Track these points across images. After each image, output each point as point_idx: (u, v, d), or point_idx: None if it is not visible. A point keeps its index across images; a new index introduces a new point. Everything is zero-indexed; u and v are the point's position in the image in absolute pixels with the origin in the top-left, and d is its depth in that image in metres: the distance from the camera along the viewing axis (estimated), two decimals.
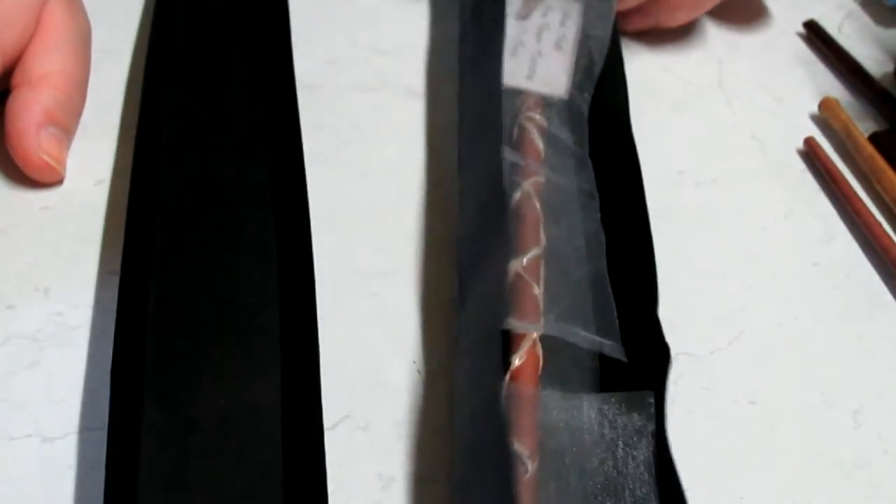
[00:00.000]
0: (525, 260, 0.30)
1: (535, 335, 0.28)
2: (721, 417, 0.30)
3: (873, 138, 0.39)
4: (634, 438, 0.26)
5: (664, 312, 0.33)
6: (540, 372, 0.28)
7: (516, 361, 0.27)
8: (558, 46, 0.37)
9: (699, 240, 0.36)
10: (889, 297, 0.34)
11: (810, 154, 0.40)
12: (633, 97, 0.42)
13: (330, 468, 0.28)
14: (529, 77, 0.36)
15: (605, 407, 0.27)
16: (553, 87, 0.36)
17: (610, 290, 0.30)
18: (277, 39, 0.38)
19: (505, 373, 0.27)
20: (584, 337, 0.29)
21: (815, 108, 0.42)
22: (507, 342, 0.28)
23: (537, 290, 0.29)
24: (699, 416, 0.30)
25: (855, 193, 0.37)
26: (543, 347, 0.28)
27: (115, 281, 0.32)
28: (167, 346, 0.28)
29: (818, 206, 0.38)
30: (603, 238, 0.32)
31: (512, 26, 0.37)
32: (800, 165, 0.39)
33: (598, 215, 0.33)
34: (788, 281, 0.35)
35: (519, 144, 0.34)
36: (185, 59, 0.37)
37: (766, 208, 0.37)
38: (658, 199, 0.37)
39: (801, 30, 0.47)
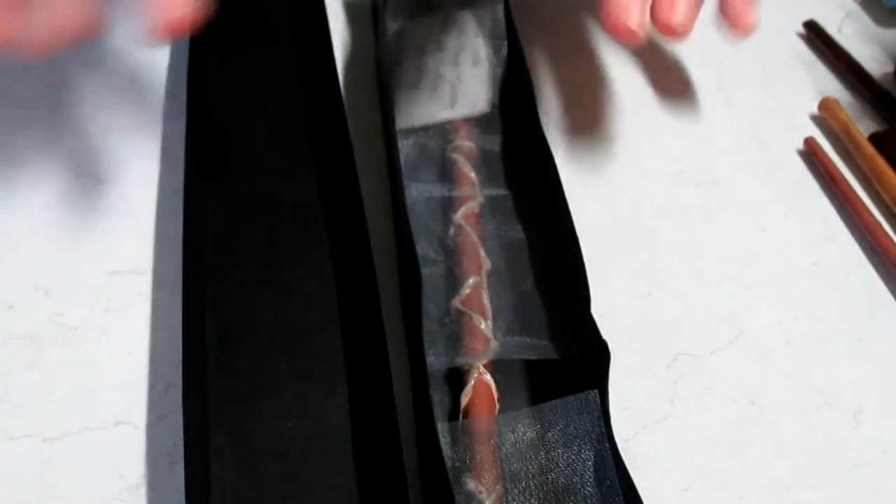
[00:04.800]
0: (463, 293, 0.30)
1: (479, 366, 0.29)
2: (721, 417, 0.30)
3: (873, 138, 0.39)
4: (587, 438, 0.26)
5: (665, 313, 0.33)
6: (497, 396, 0.28)
7: (465, 399, 0.28)
8: (476, 62, 0.38)
9: (699, 240, 0.36)
10: (889, 297, 0.34)
11: (810, 154, 0.40)
12: (633, 97, 0.42)
13: None
14: (452, 106, 0.37)
15: (557, 414, 0.27)
16: (475, 106, 0.37)
17: (546, 295, 0.31)
18: (321, 59, 0.38)
19: (456, 412, 0.28)
20: (533, 347, 0.30)
21: (815, 108, 0.42)
22: (459, 380, 0.29)
23: (479, 320, 0.30)
24: (699, 416, 0.30)
25: (855, 193, 0.37)
26: (497, 370, 0.29)
27: (115, 281, 0.32)
28: (228, 372, 0.29)
29: (818, 206, 0.38)
30: (534, 244, 0.33)
31: (430, 61, 0.38)
32: (800, 165, 0.39)
33: (529, 220, 0.34)
34: (788, 281, 0.35)
35: (451, 176, 0.35)
36: (228, 79, 0.38)
37: (766, 208, 0.37)
38: (658, 199, 0.37)
39: (801, 30, 0.47)
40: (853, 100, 0.43)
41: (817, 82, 0.44)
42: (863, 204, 0.37)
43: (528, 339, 0.30)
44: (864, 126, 0.40)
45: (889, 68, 0.44)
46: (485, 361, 0.29)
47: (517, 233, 0.33)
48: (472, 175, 0.35)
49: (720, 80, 0.43)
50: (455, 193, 0.34)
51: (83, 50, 0.41)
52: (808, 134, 0.40)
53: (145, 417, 0.29)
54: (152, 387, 0.29)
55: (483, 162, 0.36)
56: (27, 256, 0.33)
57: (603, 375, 0.27)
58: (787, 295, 0.34)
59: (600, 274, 0.34)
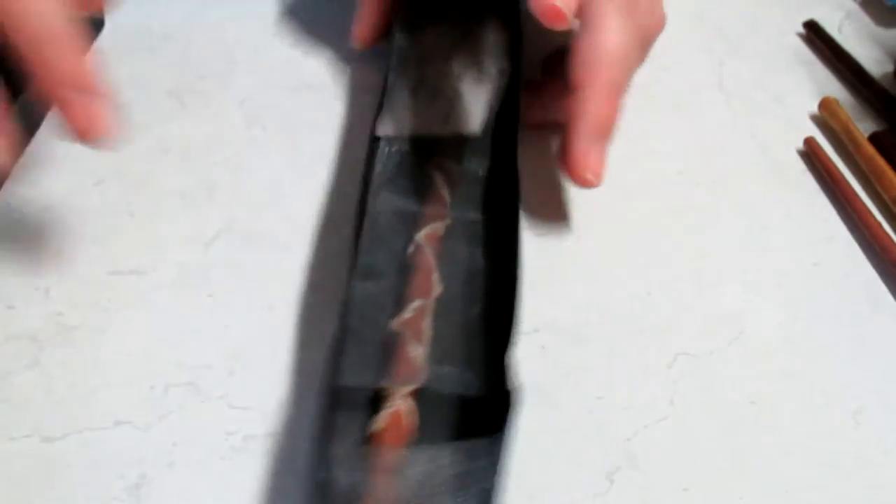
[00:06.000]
0: (404, 316, 0.29)
1: (400, 392, 0.27)
2: (721, 417, 0.30)
3: (873, 138, 0.39)
4: (474, 489, 0.25)
5: (665, 313, 0.33)
6: (410, 429, 0.27)
7: (374, 426, 0.27)
8: (478, 81, 0.37)
9: (699, 240, 0.36)
10: (889, 297, 0.34)
11: (810, 154, 0.40)
12: (633, 97, 0.42)
13: None
14: (445, 121, 0.36)
15: (459, 456, 0.26)
16: (467, 126, 0.36)
17: (490, 328, 0.30)
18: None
19: (363, 438, 0.26)
20: (459, 380, 0.28)
21: (815, 108, 0.42)
22: (378, 404, 0.27)
23: (413, 346, 0.29)
24: (699, 416, 0.30)
25: (855, 193, 0.37)
26: (418, 401, 0.28)
27: (115, 281, 0.32)
28: None
29: (818, 206, 0.38)
30: (491, 274, 0.31)
31: (431, 71, 0.37)
32: (800, 165, 0.39)
33: (489, 249, 0.32)
34: (788, 281, 0.35)
35: (424, 193, 0.34)
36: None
37: (766, 208, 0.37)
38: (658, 199, 0.37)
39: (801, 30, 0.47)
40: (853, 100, 0.43)
41: (817, 82, 0.44)
42: (863, 204, 0.37)
43: (457, 370, 0.29)
44: (864, 126, 0.40)
45: (889, 68, 0.44)
46: (408, 389, 0.28)
47: (478, 260, 0.32)
48: (446, 195, 0.34)
49: (720, 80, 0.43)
50: (423, 210, 0.33)
51: None
52: (808, 134, 0.40)
53: (145, 417, 0.29)
54: (152, 387, 0.29)
55: (463, 184, 0.35)
56: (27, 256, 0.33)
57: (505, 423, 0.26)
58: (787, 295, 0.34)
59: (600, 274, 0.34)
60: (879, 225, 0.36)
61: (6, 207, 0.34)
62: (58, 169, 0.36)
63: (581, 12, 0.33)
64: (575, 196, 0.37)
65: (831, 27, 0.46)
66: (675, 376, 0.31)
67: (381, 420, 0.27)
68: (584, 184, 0.33)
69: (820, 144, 0.40)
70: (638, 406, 0.30)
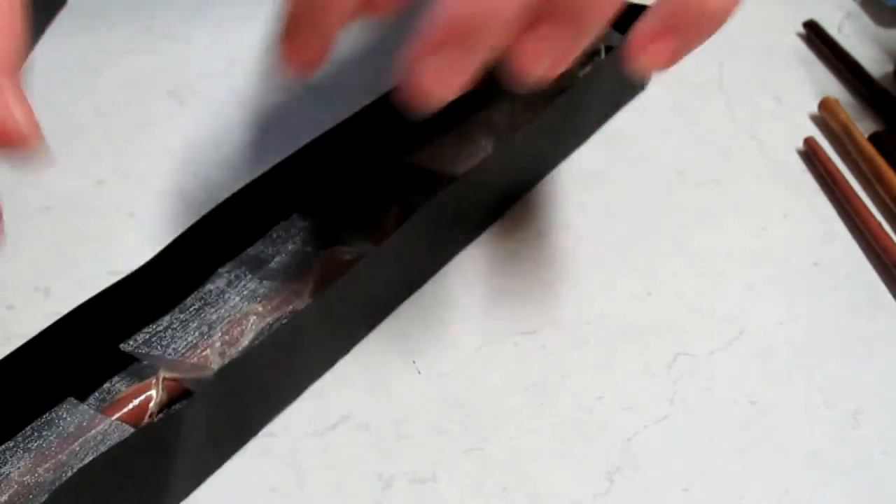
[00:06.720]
0: (238, 315, 0.28)
1: (164, 376, 0.27)
2: (721, 417, 0.30)
3: (873, 138, 0.39)
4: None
5: (665, 313, 0.33)
6: (143, 413, 0.26)
7: (121, 391, 0.27)
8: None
9: (699, 240, 0.36)
10: (889, 297, 0.34)
11: (810, 154, 0.40)
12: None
13: (330, 468, 0.28)
14: (463, 163, 0.34)
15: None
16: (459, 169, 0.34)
17: None
18: None
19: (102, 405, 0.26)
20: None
21: (815, 108, 0.42)
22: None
23: (218, 345, 0.28)
24: (699, 416, 0.30)
25: (855, 193, 0.37)
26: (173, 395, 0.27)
27: (115, 281, 0.32)
28: None
29: (818, 206, 0.38)
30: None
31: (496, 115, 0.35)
32: (800, 165, 0.39)
33: None
34: (788, 281, 0.35)
35: (373, 218, 0.32)
36: None
37: (766, 208, 0.37)
38: (658, 199, 0.37)
39: (801, 30, 0.47)
40: (853, 100, 0.43)
41: (817, 82, 0.44)
42: (863, 204, 0.37)
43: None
44: (864, 126, 0.40)
45: (889, 68, 0.44)
46: (170, 376, 0.27)
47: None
48: (389, 229, 0.31)
49: (720, 80, 0.43)
50: (356, 231, 0.31)
51: (83, 52, 0.41)
52: (808, 134, 0.40)
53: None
54: None
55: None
56: (27, 256, 0.33)
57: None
58: (787, 295, 0.34)
59: (600, 274, 0.34)
60: (879, 225, 0.36)
61: (7, 208, 0.34)
62: (58, 169, 0.36)
63: None
64: (574, 195, 0.37)
65: (831, 27, 0.46)
66: (675, 376, 0.31)
67: (126, 391, 0.27)
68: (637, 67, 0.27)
69: (820, 144, 0.40)
70: (638, 406, 0.30)
